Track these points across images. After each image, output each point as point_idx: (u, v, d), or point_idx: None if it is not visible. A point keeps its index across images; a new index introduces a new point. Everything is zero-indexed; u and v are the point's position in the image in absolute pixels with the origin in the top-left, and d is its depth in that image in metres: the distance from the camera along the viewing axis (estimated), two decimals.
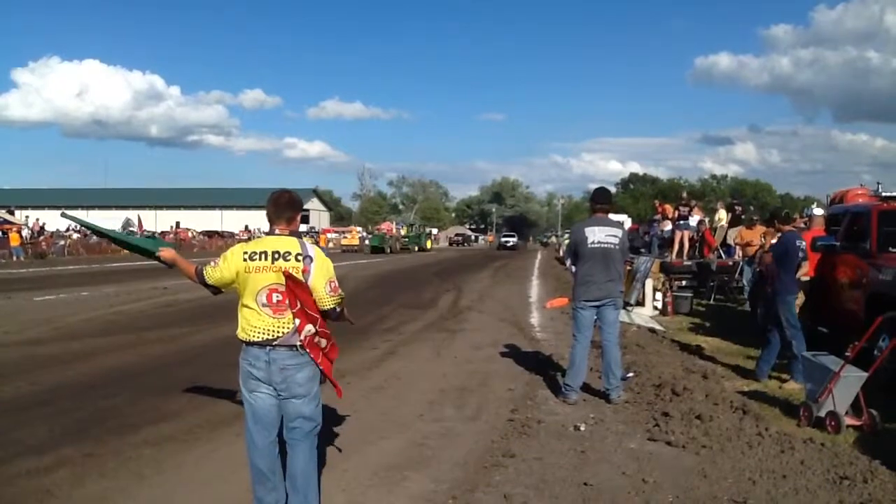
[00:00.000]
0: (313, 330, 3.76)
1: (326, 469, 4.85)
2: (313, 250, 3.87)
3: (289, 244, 3.83)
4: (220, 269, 3.89)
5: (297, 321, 3.74)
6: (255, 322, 3.78)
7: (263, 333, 3.76)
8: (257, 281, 3.77)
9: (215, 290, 4.02)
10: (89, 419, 6.26)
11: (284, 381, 3.77)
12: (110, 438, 5.67)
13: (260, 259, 3.78)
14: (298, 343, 3.76)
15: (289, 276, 3.71)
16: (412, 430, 6.05)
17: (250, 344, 3.79)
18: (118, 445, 5.49)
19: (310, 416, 3.88)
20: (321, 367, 3.84)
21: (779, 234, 8.10)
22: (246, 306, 3.82)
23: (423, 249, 54.35)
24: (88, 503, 4.42)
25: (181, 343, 10.34)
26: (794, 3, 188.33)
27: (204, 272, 3.96)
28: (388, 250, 47.78)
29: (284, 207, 3.95)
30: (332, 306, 3.90)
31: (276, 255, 3.77)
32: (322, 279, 3.83)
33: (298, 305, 3.72)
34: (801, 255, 7.66)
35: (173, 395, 7.02)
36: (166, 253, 4.33)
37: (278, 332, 3.75)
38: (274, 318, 3.77)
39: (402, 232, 55.92)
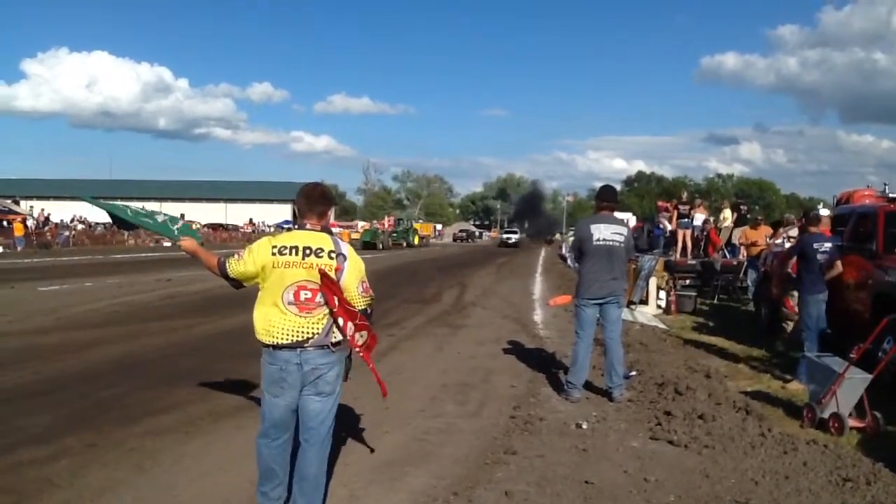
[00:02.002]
0: (353, 328, 3.63)
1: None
2: (346, 248, 3.74)
3: (321, 240, 3.68)
4: (245, 263, 3.71)
5: (340, 320, 3.59)
6: (281, 323, 3.60)
7: (292, 335, 3.59)
8: (285, 277, 3.61)
9: (237, 283, 3.82)
10: (91, 409, 6.26)
11: (315, 379, 3.64)
12: (112, 429, 5.67)
13: (290, 254, 3.62)
14: (331, 343, 3.65)
15: (324, 275, 3.56)
16: (413, 425, 6.04)
17: (278, 347, 3.61)
18: (120, 436, 5.50)
19: (328, 415, 3.77)
20: (366, 362, 3.77)
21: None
22: (268, 305, 3.65)
23: (410, 245, 53.63)
24: (89, 493, 4.41)
25: (184, 334, 10.35)
26: (801, 3, 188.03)
27: (227, 264, 3.77)
28: (381, 246, 47.00)
29: (317, 201, 3.79)
30: (363, 307, 3.76)
31: (308, 251, 3.62)
32: (355, 279, 3.72)
33: (337, 304, 3.57)
34: (821, 256, 7.72)
35: (175, 387, 7.02)
36: (186, 243, 4.15)
37: (308, 332, 3.60)
38: (301, 316, 3.60)
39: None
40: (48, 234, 39.58)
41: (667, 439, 5.57)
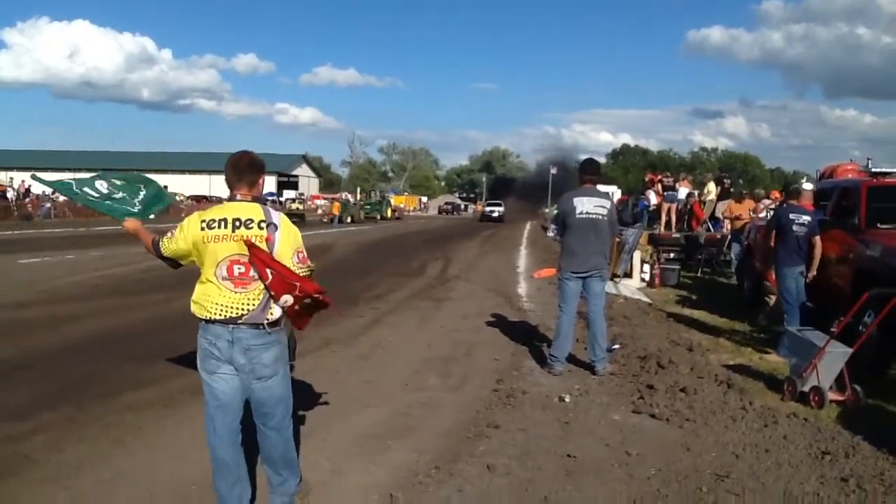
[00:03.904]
0: (291, 300, 3.40)
1: (310, 437, 4.84)
2: (278, 217, 3.55)
3: (251, 211, 3.49)
4: (176, 240, 3.54)
5: (273, 293, 3.40)
6: (217, 298, 3.45)
7: (226, 310, 3.44)
8: (216, 252, 3.44)
9: (174, 263, 3.67)
10: (71, 384, 6.20)
11: (249, 362, 3.45)
12: (91, 404, 5.62)
13: (219, 227, 3.44)
14: (266, 321, 3.46)
15: (251, 246, 3.37)
16: (396, 399, 6.02)
17: (211, 322, 3.45)
18: (99, 411, 5.45)
19: (278, 399, 3.60)
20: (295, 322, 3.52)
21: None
22: (205, 282, 3.50)
23: (383, 218, 51.92)
24: (67, 469, 4.37)
25: (165, 308, 10.24)
26: None
27: (160, 244, 3.61)
28: (351, 219, 44.52)
29: (245, 169, 3.59)
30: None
31: (237, 223, 3.44)
32: (289, 249, 3.50)
33: (270, 277, 3.37)
34: (798, 229, 7.77)
35: (156, 361, 6.97)
36: (129, 224, 3.97)
37: (243, 308, 3.43)
38: (236, 292, 3.44)
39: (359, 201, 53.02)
40: (29, 205, 39.12)
41: (649, 413, 5.60)
